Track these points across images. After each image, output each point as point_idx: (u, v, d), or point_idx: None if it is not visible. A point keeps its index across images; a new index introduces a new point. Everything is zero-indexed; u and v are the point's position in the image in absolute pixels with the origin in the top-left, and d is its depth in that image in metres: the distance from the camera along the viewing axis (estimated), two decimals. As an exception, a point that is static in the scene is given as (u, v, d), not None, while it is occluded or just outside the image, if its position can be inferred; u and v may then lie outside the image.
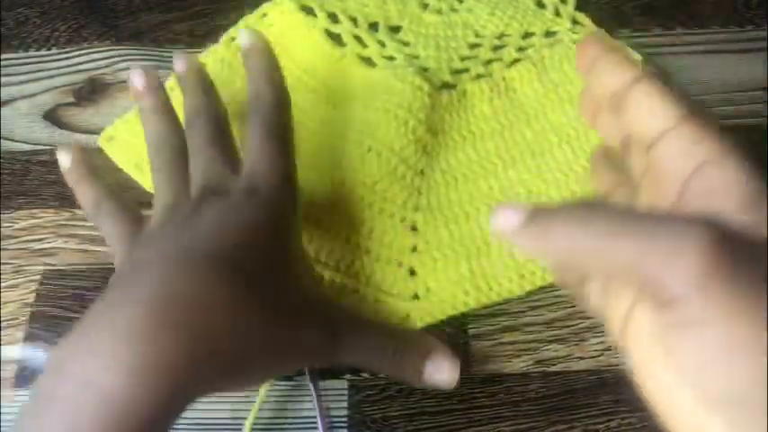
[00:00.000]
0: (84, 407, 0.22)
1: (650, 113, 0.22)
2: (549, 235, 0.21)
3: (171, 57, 0.46)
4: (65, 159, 0.35)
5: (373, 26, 0.47)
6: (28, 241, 0.40)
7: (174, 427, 0.34)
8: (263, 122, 0.32)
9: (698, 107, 0.22)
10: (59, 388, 0.23)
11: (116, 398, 0.22)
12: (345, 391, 0.35)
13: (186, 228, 0.28)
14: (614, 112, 0.24)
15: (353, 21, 0.47)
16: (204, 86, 0.35)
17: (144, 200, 0.41)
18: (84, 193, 0.35)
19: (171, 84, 0.44)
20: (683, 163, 0.21)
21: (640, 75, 0.23)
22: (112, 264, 0.39)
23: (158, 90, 0.36)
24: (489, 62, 0.45)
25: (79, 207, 0.41)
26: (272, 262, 0.28)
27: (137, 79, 0.35)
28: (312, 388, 0.35)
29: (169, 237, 0.29)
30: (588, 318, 0.37)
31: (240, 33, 0.37)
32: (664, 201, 0.22)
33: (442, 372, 0.33)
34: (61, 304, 0.38)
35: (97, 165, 0.37)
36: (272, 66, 0.35)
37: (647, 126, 0.23)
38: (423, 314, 0.36)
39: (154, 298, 0.24)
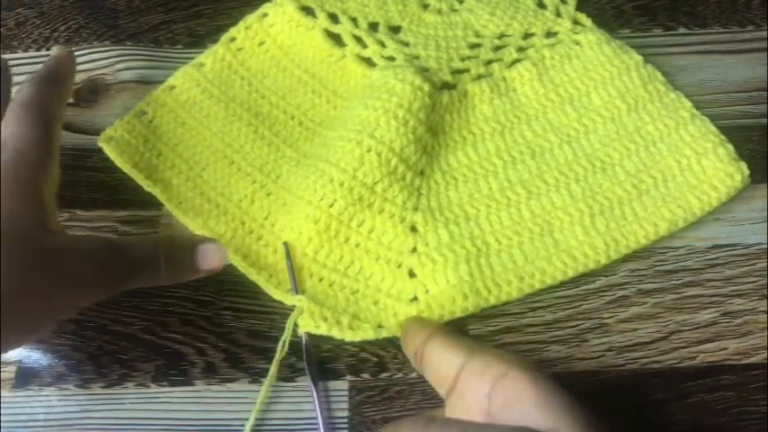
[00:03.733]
0: None
1: (444, 362, 0.30)
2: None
3: (171, 57, 0.47)
4: None
5: (373, 26, 0.47)
6: (27, 242, 0.40)
7: (178, 427, 0.34)
8: (20, 107, 0.34)
9: (477, 345, 0.30)
10: None
11: None
12: (346, 393, 0.35)
13: None
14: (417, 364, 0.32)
15: (353, 21, 0.47)
16: (37, 78, 0.37)
17: (144, 200, 0.41)
18: None
19: (171, 82, 0.44)
20: (480, 386, 0.27)
21: (431, 333, 0.31)
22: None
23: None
24: (490, 62, 0.45)
25: (79, 207, 0.41)
26: (26, 212, 0.29)
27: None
28: (313, 389, 0.35)
29: None
30: (589, 319, 0.37)
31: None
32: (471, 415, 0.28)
33: (211, 256, 0.35)
34: (61, 305, 0.38)
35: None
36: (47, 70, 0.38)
37: (445, 370, 0.30)
38: (422, 317, 0.36)
39: None
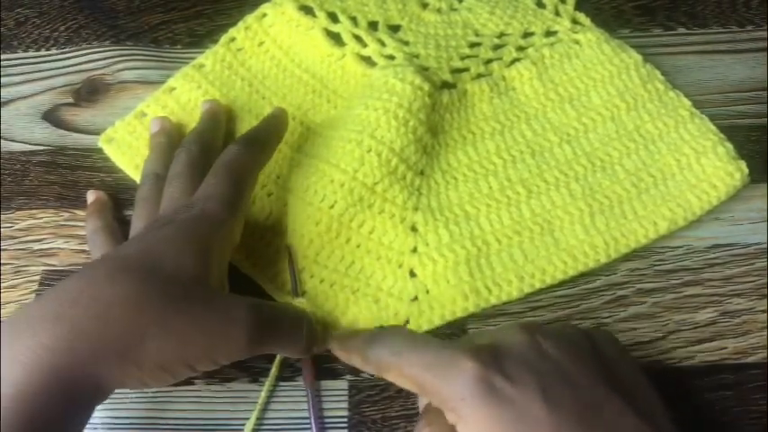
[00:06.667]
0: None
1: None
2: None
3: (171, 57, 0.47)
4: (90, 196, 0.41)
5: (373, 25, 0.47)
6: (28, 242, 0.40)
7: (178, 427, 0.34)
8: (222, 167, 0.35)
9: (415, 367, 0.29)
10: None
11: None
12: (345, 392, 0.35)
13: (122, 246, 0.32)
14: None
15: (353, 20, 0.47)
16: (203, 122, 0.41)
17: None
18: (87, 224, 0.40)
19: (172, 84, 0.44)
20: None
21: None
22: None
23: (163, 134, 0.41)
24: (489, 61, 0.45)
25: (79, 207, 0.41)
26: (188, 266, 0.30)
27: (153, 124, 0.42)
28: (307, 389, 0.35)
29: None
30: (589, 318, 0.37)
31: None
32: None
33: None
34: (61, 305, 0.38)
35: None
36: (260, 132, 0.39)
37: None
38: (422, 320, 0.36)
39: (48, 295, 0.28)
